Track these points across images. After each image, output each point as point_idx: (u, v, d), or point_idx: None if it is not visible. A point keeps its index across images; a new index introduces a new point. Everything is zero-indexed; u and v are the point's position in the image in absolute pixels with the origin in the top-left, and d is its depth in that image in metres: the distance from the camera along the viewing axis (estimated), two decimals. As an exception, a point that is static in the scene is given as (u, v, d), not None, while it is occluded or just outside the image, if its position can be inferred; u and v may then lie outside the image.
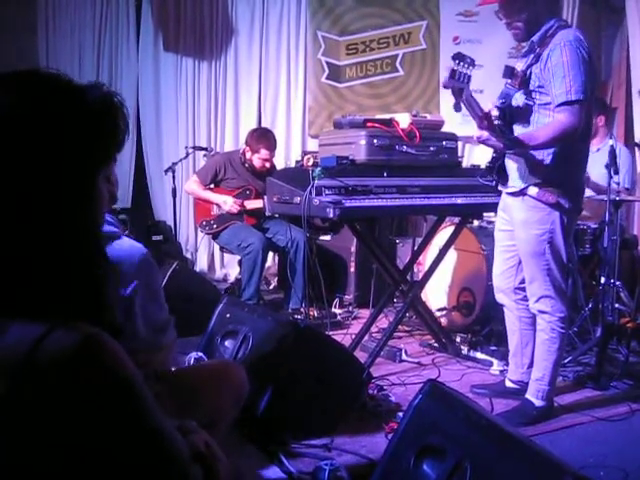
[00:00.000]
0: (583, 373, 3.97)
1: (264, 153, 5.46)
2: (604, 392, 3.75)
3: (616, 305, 4.35)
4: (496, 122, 3.18)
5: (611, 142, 4.28)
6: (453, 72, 2.92)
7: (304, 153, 6.40)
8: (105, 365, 1.00)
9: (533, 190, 3.23)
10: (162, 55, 7.27)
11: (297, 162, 6.06)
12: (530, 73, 3.19)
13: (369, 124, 4.21)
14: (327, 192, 3.81)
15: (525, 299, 3.48)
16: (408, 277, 4.63)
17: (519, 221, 3.33)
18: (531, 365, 3.51)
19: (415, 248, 4.86)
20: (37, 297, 1.03)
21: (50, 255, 1.05)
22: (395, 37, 7.23)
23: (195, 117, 7.35)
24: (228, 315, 3.41)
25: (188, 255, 7.24)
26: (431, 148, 4.30)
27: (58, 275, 1.06)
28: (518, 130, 3.27)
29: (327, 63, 7.29)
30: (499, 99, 3.27)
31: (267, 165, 5.50)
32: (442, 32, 7.11)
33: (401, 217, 6.11)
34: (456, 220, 4.64)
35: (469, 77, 2.96)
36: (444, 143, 4.37)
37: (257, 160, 5.47)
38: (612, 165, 4.17)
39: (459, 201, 4.22)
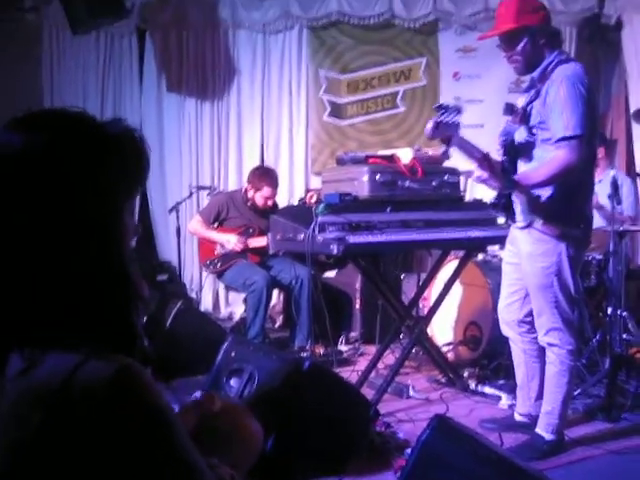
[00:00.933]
0: (593, 405, 3.94)
1: (266, 191, 5.48)
2: (615, 424, 3.71)
3: (624, 336, 4.33)
4: (501, 159, 3.20)
5: (613, 173, 4.29)
6: (437, 124, 2.95)
7: (307, 190, 6.43)
8: (140, 395, 1.01)
9: (538, 223, 3.23)
10: (165, 96, 7.33)
11: (300, 200, 6.09)
12: (531, 109, 3.22)
13: (371, 160, 4.23)
14: (331, 229, 3.82)
15: (530, 332, 3.47)
16: (414, 312, 4.61)
17: (526, 254, 3.33)
18: (538, 398, 3.49)
19: (420, 283, 4.85)
20: (71, 329, 1.05)
21: (82, 288, 1.07)
22: (395, 74, 7.28)
23: (198, 157, 7.39)
24: (233, 353, 3.39)
25: (193, 294, 7.21)
26: (433, 182, 4.31)
27: (91, 307, 1.07)
28: (522, 166, 3.29)
29: (328, 101, 7.33)
30: (501, 136, 3.29)
31: (269, 203, 5.52)
32: (442, 68, 7.16)
33: (406, 252, 6.10)
34: (461, 254, 4.64)
35: (457, 124, 2.98)
36: (446, 177, 4.38)
37: (259, 198, 5.49)
38: (615, 195, 4.17)
39: (463, 235, 4.22)
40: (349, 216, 3.90)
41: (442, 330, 5.06)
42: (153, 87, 7.32)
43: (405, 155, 4.30)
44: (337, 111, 7.34)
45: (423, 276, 4.95)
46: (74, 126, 1.13)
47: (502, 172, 3.17)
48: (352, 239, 3.79)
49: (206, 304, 7.25)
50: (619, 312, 4.27)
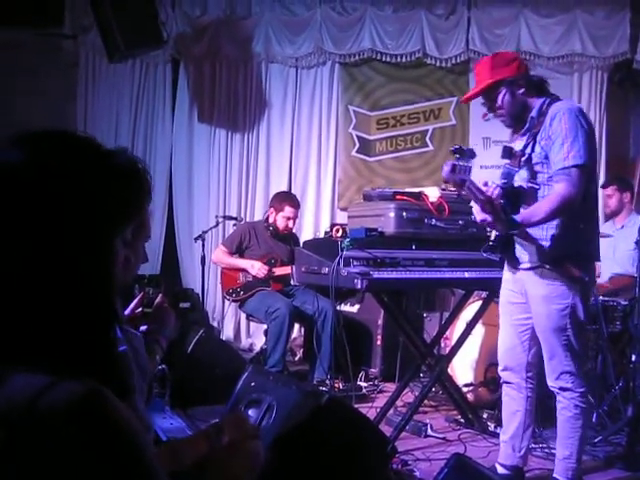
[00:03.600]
0: (614, 453, 3.88)
1: (288, 211, 5.57)
2: (635, 473, 3.65)
3: (647, 384, 4.26)
4: (500, 201, 3.17)
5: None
6: (454, 167, 2.92)
7: (332, 225, 6.45)
8: (107, 419, 0.99)
9: (550, 264, 3.19)
10: (196, 125, 7.44)
11: (326, 233, 6.12)
12: (531, 151, 3.20)
13: (398, 197, 4.24)
14: (355, 263, 3.83)
15: (536, 376, 3.42)
16: (435, 351, 4.59)
17: (538, 296, 3.25)
18: (527, 448, 3.46)
19: (443, 322, 4.83)
20: (42, 350, 1.04)
21: (59, 310, 1.06)
22: (425, 112, 7.33)
23: (226, 187, 7.46)
24: (253, 383, 3.38)
25: (215, 323, 7.24)
26: (460, 222, 4.31)
27: (65, 330, 1.06)
28: (523, 209, 3.25)
29: (358, 137, 7.38)
30: (501, 179, 3.26)
31: (290, 225, 5.59)
32: (472, 108, 7.18)
33: (429, 291, 6.08)
34: (484, 295, 4.62)
35: (470, 168, 2.96)
36: (473, 217, 4.37)
37: (281, 220, 5.57)
38: (642, 241, 4.15)
39: (487, 275, 4.20)
40: (374, 251, 3.92)
41: (463, 370, 5.01)
42: (185, 116, 7.44)
43: (432, 193, 4.31)
44: (366, 147, 7.38)
45: (446, 315, 4.93)
46: (75, 150, 1.13)
47: (504, 214, 3.13)
48: (376, 274, 3.79)
49: (227, 334, 7.26)
50: (643, 360, 4.22)
